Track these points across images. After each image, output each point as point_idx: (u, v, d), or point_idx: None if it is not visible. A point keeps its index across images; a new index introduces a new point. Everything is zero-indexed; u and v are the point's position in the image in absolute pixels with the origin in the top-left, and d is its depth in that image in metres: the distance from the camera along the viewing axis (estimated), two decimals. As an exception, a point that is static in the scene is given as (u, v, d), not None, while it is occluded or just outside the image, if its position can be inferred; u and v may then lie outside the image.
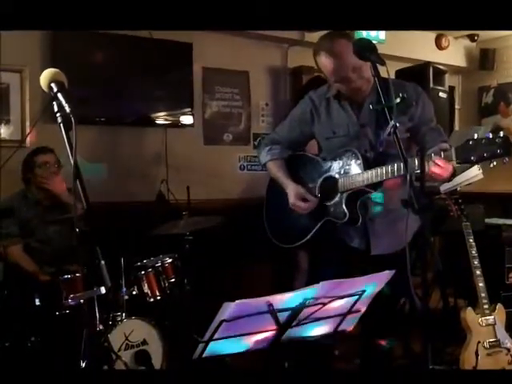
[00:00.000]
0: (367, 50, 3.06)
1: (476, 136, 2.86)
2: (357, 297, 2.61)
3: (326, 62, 3.42)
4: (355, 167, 3.47)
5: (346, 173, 3.52)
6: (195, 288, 4.93)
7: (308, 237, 3.71)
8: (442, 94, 6.86)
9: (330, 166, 3.65)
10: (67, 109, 2.43)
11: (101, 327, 3.88)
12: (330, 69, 3.44)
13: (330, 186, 3.62)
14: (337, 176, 3.59)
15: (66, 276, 4.21)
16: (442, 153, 3.00)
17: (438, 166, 3.00)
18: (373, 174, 3.34)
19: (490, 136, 2.83)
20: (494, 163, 2.85)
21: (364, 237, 3.65)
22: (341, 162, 3.57)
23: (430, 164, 3.00)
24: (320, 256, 3.90)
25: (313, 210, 3.68)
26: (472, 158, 2.88)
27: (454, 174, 3.10)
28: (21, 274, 4.53)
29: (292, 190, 3.72)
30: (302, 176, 3.81)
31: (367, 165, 3.42)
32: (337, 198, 3.57)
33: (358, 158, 3.45)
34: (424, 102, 3.57)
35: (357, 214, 3.51)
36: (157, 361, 4.29)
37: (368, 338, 3.92)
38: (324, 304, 2.51)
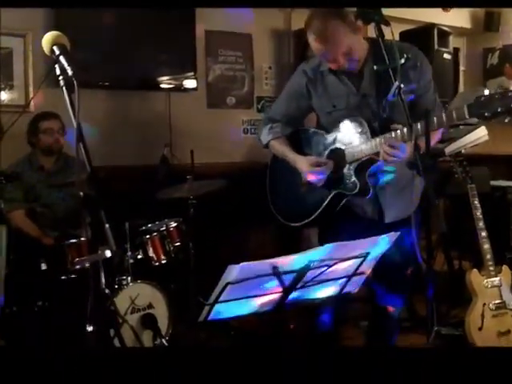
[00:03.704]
0: (371, 11, 3.04)
1: (487, 92, 2.80)
2: (361, 259, 2.61)
3: (315, 44, 3.27)
4: (361, 136, 3.37)
5: (352, 142, 3.43)
6: (200, 251, 4.94)
7: (318, 212, 3.61)
8: (446, 56, 6.81)
9: (335, 138, 3.55)
10: (69, 72, 2.43)
11: (107, 291, 3.90)
12: (319, 51, 3.31)
13: (337, 157, 3.53)
14: (343, 147, 3.49)
15: (71, 240, 4.24)
16: (454, 112, 2.94)
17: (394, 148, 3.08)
18: (381, 141, 3.25)
19: (503, 91, 2.79)
20: (508, 119, 2.79)
21: (376, 206, 3.57)
22: (346, 133, 3.47)
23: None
24: (331, 230, 3.72)
25: (323, 182, 3.57)
26: (486, 114, 2.82)
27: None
28: (26, 238, 4.55)
29: (302, 160, 3.61)
30: (307, 151, 3.69)
31: (373, 134, 3.34)
32: (345, 170, 3.48)
33: (364, 126, 3.36)
34: (424, 64, 3.43)
35: (367, 184, 3.41)
36: (163, 324, 4.33)
37: (376, 303, 3.90)
38: (329, 266, 2.52)
